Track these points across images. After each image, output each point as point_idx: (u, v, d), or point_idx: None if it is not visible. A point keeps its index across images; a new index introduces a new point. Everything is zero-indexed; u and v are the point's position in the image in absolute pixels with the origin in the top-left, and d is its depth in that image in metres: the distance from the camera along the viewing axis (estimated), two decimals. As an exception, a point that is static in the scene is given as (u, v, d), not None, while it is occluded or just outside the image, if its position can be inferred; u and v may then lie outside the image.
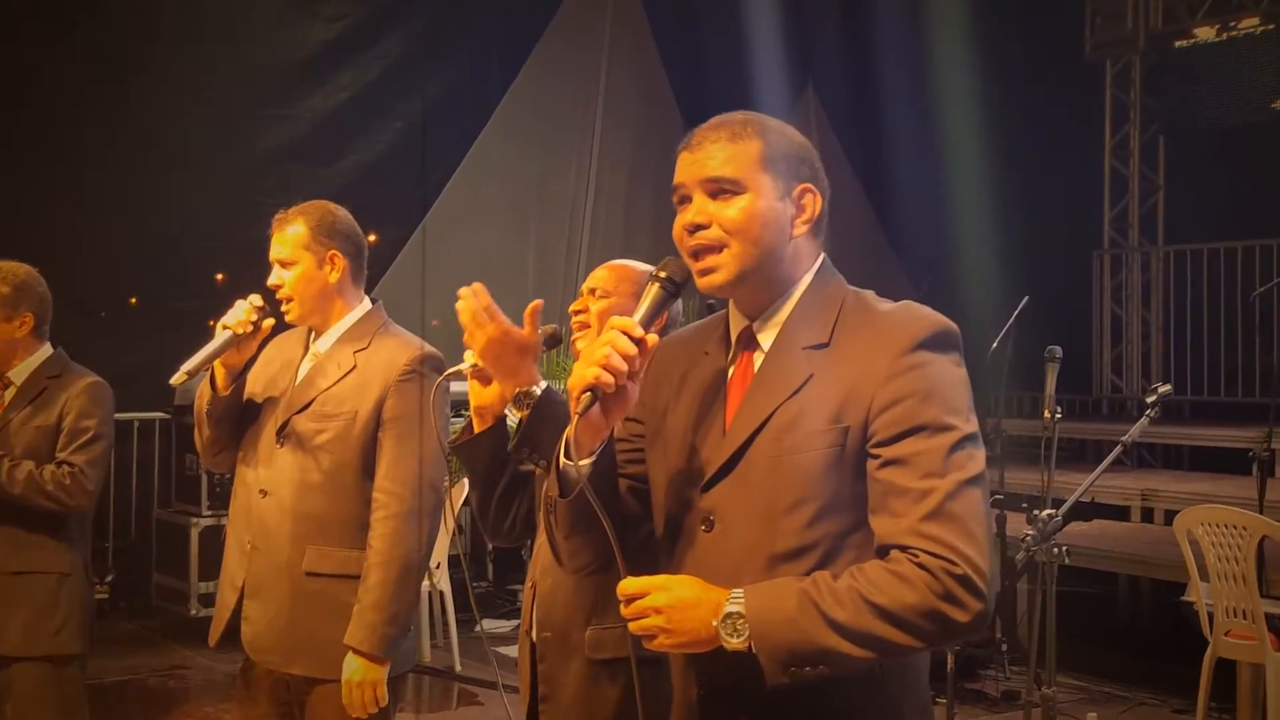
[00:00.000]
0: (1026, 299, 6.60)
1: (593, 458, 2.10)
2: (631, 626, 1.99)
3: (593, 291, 3.15)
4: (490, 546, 8.55)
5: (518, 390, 2.70)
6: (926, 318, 2.04)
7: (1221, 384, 10.39)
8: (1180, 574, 6.35)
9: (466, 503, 7.04)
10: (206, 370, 3.49)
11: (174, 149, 8.72)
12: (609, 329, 2.06)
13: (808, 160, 2.15)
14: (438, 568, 6.59)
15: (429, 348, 3.55)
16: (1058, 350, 5.82)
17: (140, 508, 8.81)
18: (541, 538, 2.98)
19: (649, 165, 10.98)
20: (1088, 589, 7.92)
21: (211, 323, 3.46)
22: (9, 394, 4.07)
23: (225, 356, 3.44)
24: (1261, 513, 5.99)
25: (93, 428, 4.04)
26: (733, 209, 2.09)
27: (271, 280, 3.51)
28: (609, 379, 2.02)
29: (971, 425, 1.98)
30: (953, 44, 10.54)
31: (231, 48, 9.05)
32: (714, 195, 2.11)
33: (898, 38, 10.92)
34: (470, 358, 2.89)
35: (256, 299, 3.45)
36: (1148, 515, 8.38)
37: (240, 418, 3.56)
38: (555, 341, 3.11)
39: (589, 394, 2.02)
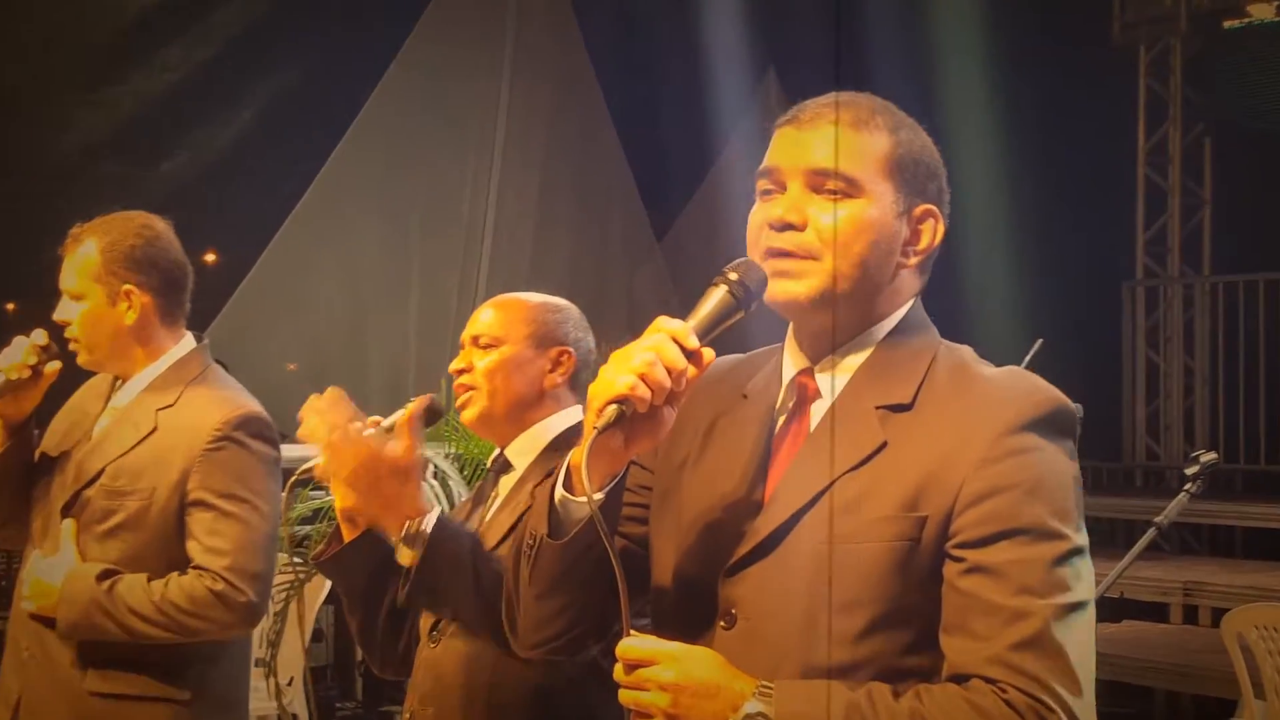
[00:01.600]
0: (1040, 342, 6.65)
1: (603, 492, 2.04)
2: (623, 698, 1.98)
3: (476, 340, 3.12)
4: (359, 658, 8.50)
5: (404, 525, 2.69)
6: (1040, 391, 2.03)
7: (1284, 450, 10.51)
8: (1231, 689, 6.40)
9: (330, 600, 7.02)
10: None
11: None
12: (654, 330, 2.01)
13: (937, 177, 2.16)
14: (290, 684, 6.53)
15: (250, 406, 3.51)
16: (1077, 409, 5.89)
17: None
18: (423, 654, 3.02)
19: (566, 167, 11.01)
20: (1116, 708, 7.98)
21: None
22: None
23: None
24: (1332, 611, 6.06)
25: None
26: (841, 213, 2.07)
27: (57, 315, 3.48)
28: (645, 394, 1.96)
29: (1082, 536, 1.96)
30: (951, 22, 10.64)
31: (24, 13, 9.01)
32: (818, 190, 2.09)
33: (883, 12, 11.04)
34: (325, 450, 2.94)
35: (41, 336, 3.42)
36: (1191, 615, 8.46)
37: (30, 483, 3.52)
38: (436, 416, 3.10)
39: (615, 407, 1.96)
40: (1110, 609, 7.78)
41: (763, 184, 2.15)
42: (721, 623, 2.07)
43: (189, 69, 9.58)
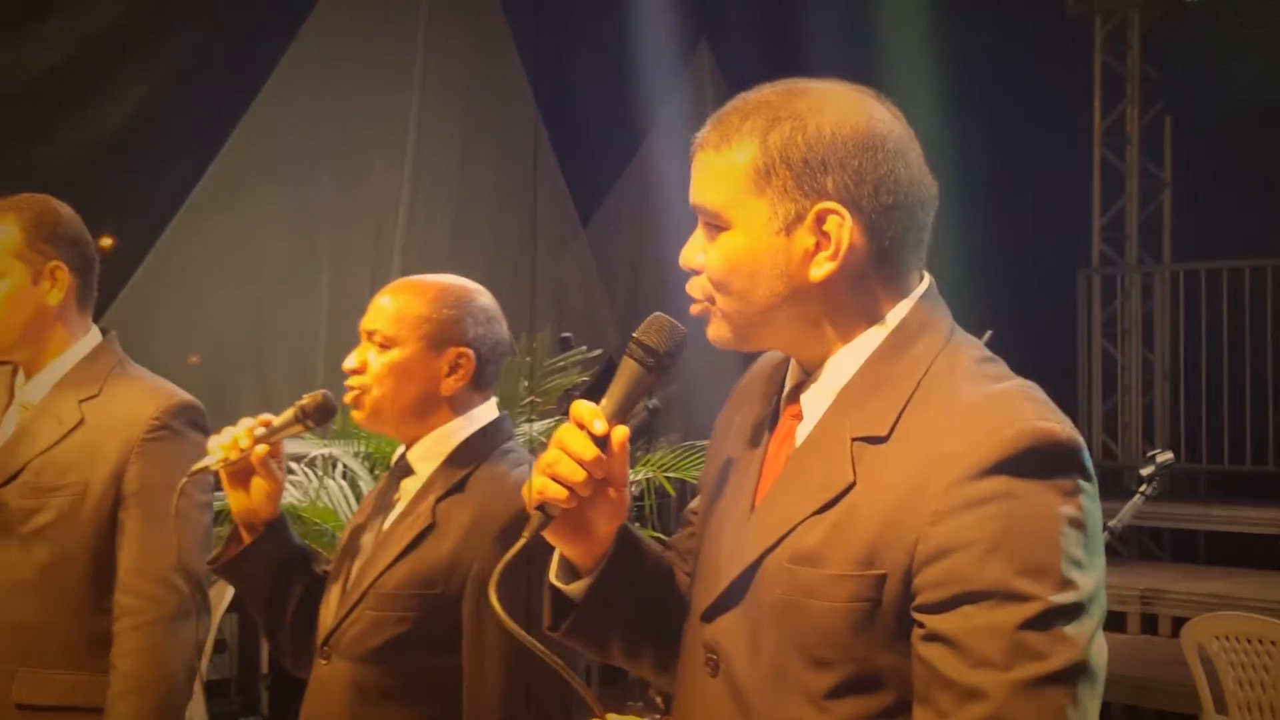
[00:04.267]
0: (989, 334, 6.68)
1: (588, 581, 2.13)
2: None
3: (371, 336, 3.13)
4: (266, 670, 8.47)
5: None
6: (1016, 423, 1.87)
7: (1247, 449, 10.62)
8: (1191, 704, 6.48)
9: (233, 608, 6.98)
10: None
11: None
12: (572, 417, 2.03)
13: (844, 165, 1.98)
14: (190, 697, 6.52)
15: (183, 395, 3.54)
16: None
17: None
18: (316, 670, 3.07)
19: (486, 146, 11.00)
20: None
21: None
22: None
23: None
24: (1296, 619, 6.12)
25: None
26: (715, 252, 2.03)
27: None
28: (559, 493, 1.99)
29: (1066, 594, 1.81)
30: (894, -11, 10.67)
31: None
32: (707, 230, 2.06)
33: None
34: (220, 451, 2.97)
35: None
36: (1149, 624, 8.57)
37: None
38: (328, 414, 3.11)
39: (538, 513, 2.00)
40: (1064, 617, 7.82)
41: None
42: (707, 668, 2.06)
43: (76, 41, 9.47)
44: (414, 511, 3.01)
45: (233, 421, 3.01)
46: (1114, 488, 11.23)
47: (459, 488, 2.99)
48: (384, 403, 3.06)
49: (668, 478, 6.17)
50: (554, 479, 1.99)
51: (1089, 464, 1.89)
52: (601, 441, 2.01)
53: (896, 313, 2.03)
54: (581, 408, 2.03)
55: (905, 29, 10.50)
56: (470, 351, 3.08)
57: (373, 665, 2.92)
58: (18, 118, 9.21)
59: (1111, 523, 5.31)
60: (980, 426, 1.87)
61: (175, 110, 9.73)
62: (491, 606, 1.89)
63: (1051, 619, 1.80)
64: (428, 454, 3.08)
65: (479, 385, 3.12)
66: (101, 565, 3.38)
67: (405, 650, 2.91)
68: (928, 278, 2.10)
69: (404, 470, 3.13)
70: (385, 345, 3.07)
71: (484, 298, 3.17)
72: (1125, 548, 9.66)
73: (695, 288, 2.07)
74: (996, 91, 11.19)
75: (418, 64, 10.95)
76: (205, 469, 2.98)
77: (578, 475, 1.98)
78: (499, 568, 1.95)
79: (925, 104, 10.22)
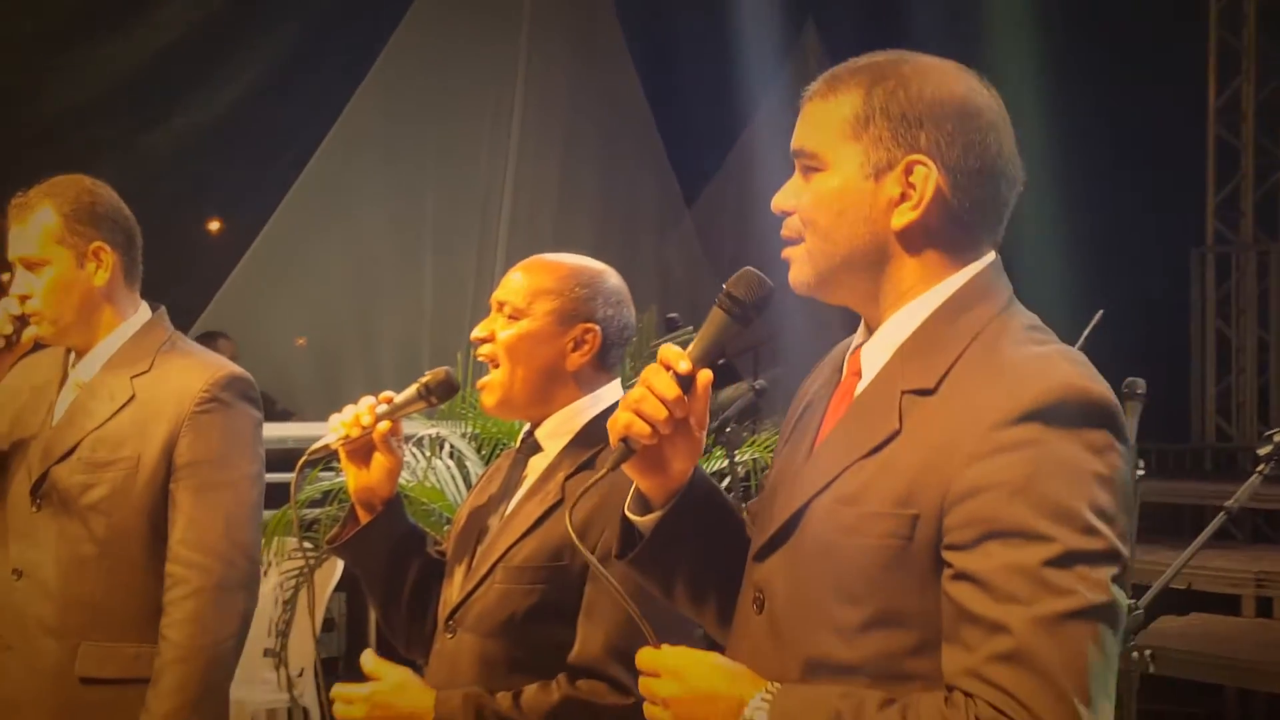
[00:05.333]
0: (1100, 314, 6.64)
1: (658, 514, 2.28)
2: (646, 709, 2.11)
3: (502, 306, 3.15)
4: (374, 648, 8.55)
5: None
6: (1053, 377, 1.96)
7: (1367, 429, 10.46)
8: (1308, 686, 6.42)
9: (342, 587, 7.07)
10: None
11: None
12: (659, 358, 2.17)
13: (939, 124, 2.09)
14: (300, 675, 6.59)
15: (233, 368, 3.59)
16: (1140, 384, 5.86)
17: None
18: (438, 645, 3.09)
19: (590, 129, 11.03)
20: (1184, 708, 7.99)
21: None
22: None
23: None
24: None
25: None
26: (808, 191, 2.15)
27: (15, 288, 3.51)
28: (643, 429, 2.14)
29: (1090, 539, 1.89)
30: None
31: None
32: (803, 171, 2.17)
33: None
34: (341, 428, 3.01)
35: (13, 304, 3.48)
36: (1264, 607, 8.47)
37: None
38: (450, 390, 3.15)
39: (621, 445, 2.16)
40: (1177, 601, 7.77)
41: None
42: (754, 606, 2.17)
43: (190, 24, 9.55)
44: (542, 489, 3.03)
45: (339, 404, 3.05)
46: (1228, 469, 11.15)
47: (588, 464, 3.00)
48: (511, 377, 3.08)
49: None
50: (639, 415, 2.13)
51: (1123, 426, 1.97)
52: (685, 383, 2.15)
53: (959, 277, 2.13)
54: (668, 350, 2.17)
55: (1015, 8, 10.41)
56: (597, 328, 3.10)
57: (500, 638, 2.94)
58: (131, 104, 9.34)
59: (1228, 504, 5.25)
60: (1017, 380, 1.97)
61: (282, 96, 9.84)
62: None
63: (1074, 560, 1.88)
64: (555, 431, 3.09)
65: (604, 365, 3.14)
66: (157, 538, 3.43)
67: (533, 622, 2.92)
68: (995, 254, 2.18)
69: (532, 448, 3.15)
70: (515, 316, 3.09)
71: (614, 279, 3.19)
72: (1239, 530, 9.55)
73: (787, 227, 2.19)
74: (1110, 69, 11.11)
75: (522, 47, 10.98)
76: (326, 446, 3.00)
77: (660, 413, 2.13)
78: (578, 494, 2.22)
79: (1037, 84, 10.19)
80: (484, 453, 5.63)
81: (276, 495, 5.91)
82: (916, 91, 2.10)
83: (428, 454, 5.47)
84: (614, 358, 3.16)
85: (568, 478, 2.99)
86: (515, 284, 3.13)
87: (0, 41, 8.97)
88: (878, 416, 2.07)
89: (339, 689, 2.92)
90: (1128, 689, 5.08)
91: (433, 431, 5.63)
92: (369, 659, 2.95)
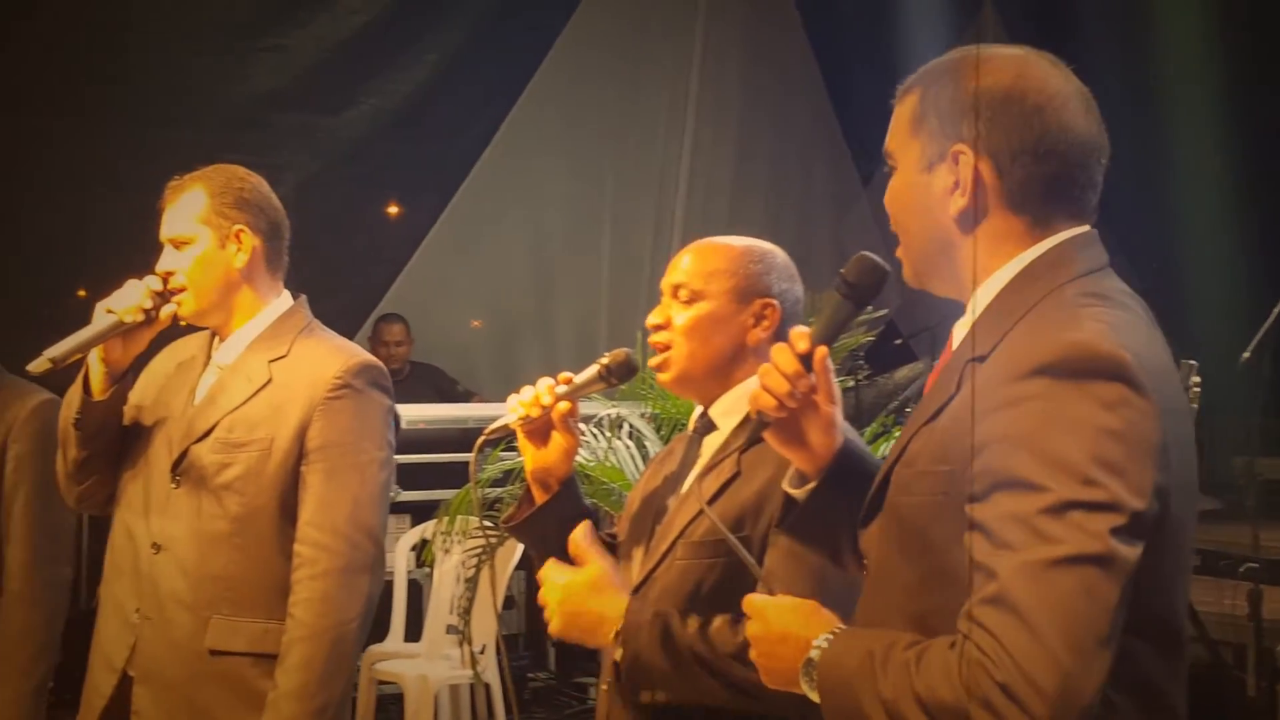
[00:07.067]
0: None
1: (810, 485, 2.50)
2: None
3: (676, 292, 3.16)
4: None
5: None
6: (1065, 334, 2.03)
7: None
8: None
9: (523, 565, 7.15)
10: (80, 364, 3.57)
11: (131, 99, 8.93)
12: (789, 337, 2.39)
13: (984, 109, 2.20)
14: (482, 652, 6.69)
15: (366, 355, 3.69)
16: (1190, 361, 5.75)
17: (92, 569, 8.86)
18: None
19: (766, 108, 11.04)
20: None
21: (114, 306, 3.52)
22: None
23: (106, 349, 3.54)
24: None
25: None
26: (890, 191, 2.34)
27: (161, 265, 3.61)
28: (769, 402, 2.38)
29: (1088, 490, 1.93)
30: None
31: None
32: (889, 174, 2.34)
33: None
34: (520, 408, 3.07)
35: (156, 281, 3.57)
36: None
37: (120, 444, 3.68)
38: (630, 371, 3.18)
39: (755, 419, 2.41)
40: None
41: None
42: (864, 571, 2.35)
43: (374, 11, 9.65)
44: (718, 465, 3.02)
45: (518, 385, 3.09)
46: None
47: (762, 439, 3.01)
48: (691, 358, 3.09)
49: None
50: (765, 389, 2.38)
51: (1139, 378, 1.99)
52: (805, 359, 2.37)
53: (1030, 253, 2.21)
54: (793, 330, 2.41)
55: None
56: (776, 303, 3.12)
57: (684, 614, 2.93)
58: (316, 91, 9.48)
59: None
60: (1034, 337, 2.05)
61: (461, 81, 9.93)
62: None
63: (1069, 508, 1.93)
64: (731, 409, 3.08)
65: (779, 339, 3.14)
66: (287, 518, 3.53)
67: (715, 594, 2.92)
68: (1082, 228, 2.25)
69: (707, 427, 3.16)
70: (691, 299, 3.11)
71: (783, 255, 3.22)
72: None
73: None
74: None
75: (698, 28, 10.99)
76: (505, 426, 3.06)
77: (783, 386, 2.37)
78: (705, 463, 2.53)
79: (1213, 68, 10.01)
80: (663, 433, 5.67)
81: (457, 475, 6.01)
82: (963, 85, 2.23)
83: (608, 434, 5.53)
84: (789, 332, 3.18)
85: (742, 451, 2.97)
86: (688, 266, 3.15)
87: (195, 30, 9.15)
88: (945, 384, 2.19)
89: (547, 569, 3.02)
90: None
91: (612, 412, 5.69)
92: (581, 536, 3.04)
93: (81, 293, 8.99)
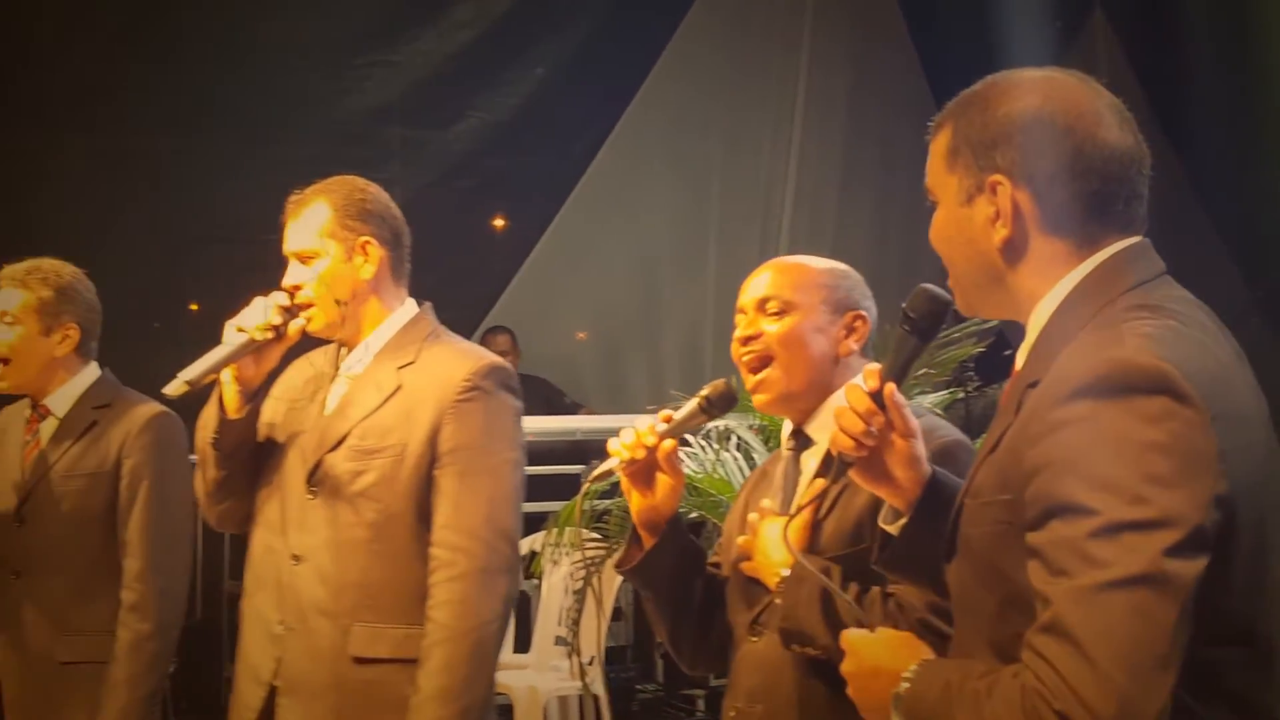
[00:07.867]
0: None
1: (903, 520, 2.50)
2: None
3: (763, 306, 3.16)
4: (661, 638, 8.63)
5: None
6: (1103, 352, 2.02)
7: None
8: None
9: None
10: (214, 385, 3.61)
11: (241, 113, 9.06)
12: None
13: (1012, 143, 2.22)
14: (590, 664, 6.71)
15: (494, 357, 3.70)
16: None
17: (209, 579, 8.91)
18: (744, 649, 3.11)
19: (870, 119, 11.00)
20: None
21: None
22: (47, 428, 4.32)
23: (239, 368, 3.58)
24: None
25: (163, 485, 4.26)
26: (933, 227, 2.35)
27: (287, 280, 3.64)
28: (846, 443, 2.42)
29: (1137, 508, 1.91)
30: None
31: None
32: (932, 209, 2.36)
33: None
34: (625, 451, 3.04)
35: (282, 297, 3.60)
36: None
37: (256, 461, 3.72)
38: (730, 402, 3.17)
39: (837, 458, 2.46)
40: None
41: None
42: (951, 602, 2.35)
43: (482, 26, 9.72)
44: (821, 497, 2.97)
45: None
46: None
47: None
48: (789, 371, 3.09)
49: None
50: (841, 429, 2.42)
51: (1182, 388, 1.95)
52: (876, 397, 2.41)
53: (1077, 273, 2.20)
54: (866, 368, 2.46)
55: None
56: (865, 314, 3.15)
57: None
58: (426, 105, 9.55)
59: None
60: (1074, 360, 2.04)
61: (569, 93, 9.97)
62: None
63: (1119, 530, 1.90)
64: (827, 423, 2.93)
65: (865, 353, 3.16)
66: (423, 523, 3.54)
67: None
68: (1129, 240, 2.22)
69: (803, 444, 3.15)
70: (782, 311, 3.11)
71: (860, 276, 3.25)
72: None
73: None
74: None
75: (805, 40, 10.98)
76: (609, 471, 3.06)
77: (857, 425, 2.41)
78: (795, 507, 2.56)
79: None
80: (771, 444, 5.66)
81: (566, 486, 6.01)
82: (991, 114, 2.25)
83: (715, 446, 5.53)
84: (870, 348, 3.19)
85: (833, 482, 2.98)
86: (774, 281, 3.17)
87: (306, 47, 9.26)
88: (1004, 413, 2.19)
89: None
90: None
91: (720, 424, 5.70)
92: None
93: (194, 306, 9.12)
